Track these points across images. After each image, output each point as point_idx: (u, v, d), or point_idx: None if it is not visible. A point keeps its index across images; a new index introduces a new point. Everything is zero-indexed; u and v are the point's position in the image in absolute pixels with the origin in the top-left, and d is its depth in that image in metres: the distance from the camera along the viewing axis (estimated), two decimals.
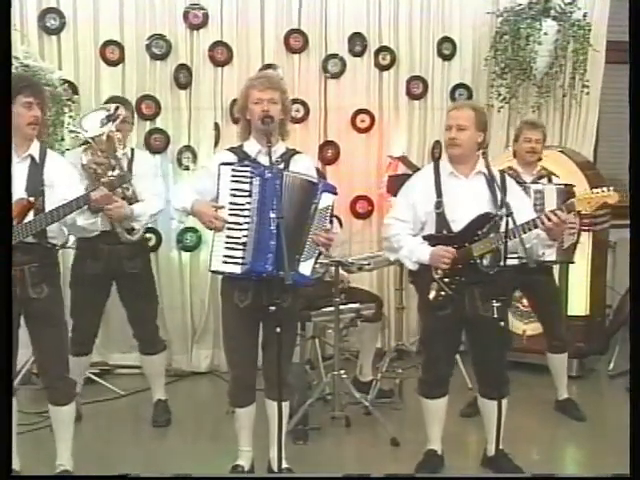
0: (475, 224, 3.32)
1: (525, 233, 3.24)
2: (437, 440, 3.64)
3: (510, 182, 3.50)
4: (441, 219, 3.38)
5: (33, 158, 3.20)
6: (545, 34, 4.95)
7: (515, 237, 3.21)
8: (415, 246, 3.41)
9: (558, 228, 3.26)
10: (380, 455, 3.85)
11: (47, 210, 3.09)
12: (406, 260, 3.45)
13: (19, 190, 3.08)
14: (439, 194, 3.40)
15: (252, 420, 3.46)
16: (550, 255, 3.96)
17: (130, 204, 3.71)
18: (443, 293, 3.34)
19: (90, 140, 3.71)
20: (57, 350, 3.29)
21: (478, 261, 3.31)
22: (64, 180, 3.23)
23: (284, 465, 3.41)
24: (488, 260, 3.30)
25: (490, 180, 3.34)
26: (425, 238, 3.41)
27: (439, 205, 3.38)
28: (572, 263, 4.47)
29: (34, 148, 3.22)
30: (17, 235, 3.03)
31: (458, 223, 3.35)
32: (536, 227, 3.26)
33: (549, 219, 3.22)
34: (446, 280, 3.33)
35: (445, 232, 3.37)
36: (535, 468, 3.61)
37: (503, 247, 3.18)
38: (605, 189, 3.29)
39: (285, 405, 3.39)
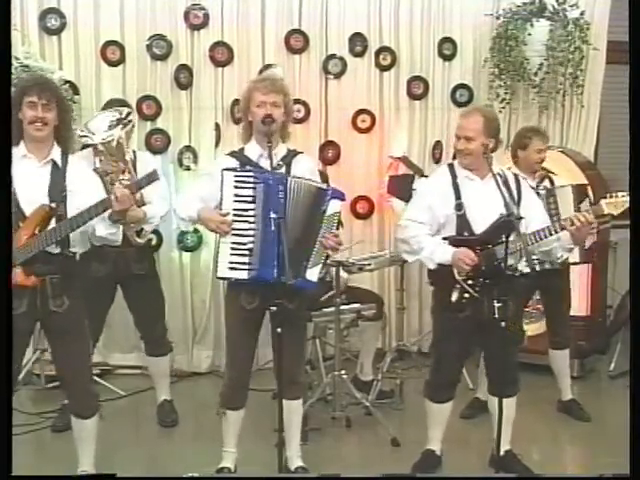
0: (497, 226, 3.24)
1: (552, 235, 3.23)
2: (437, 441, 3.64)
3: (524, 185, 3.48)
4: (462, 221, 3.32)
5: (55, 163, 3.09)
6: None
7: (539, 240, 3.19)
8: (436, 246, 3.34)
9: (584, 229, 3.23)
10: (381, 455, 3.86)
11: (70, 216, 2.99)
12: (428, 261, 3.37)
13: (41, 196, 3.01)
14: (458, 196, 3.35)
15: (240, 424, 3.49)
16: (573, 257, 4.05)
17: (138, 207, 3.64)
18: (467, 295, 3.26)
19: (101, 145, 3.67)
20: (80, 364, 3.19)
21: (502, 264, 3.19)
22: (86, 185, 3.11)
23: (299, 464, 3.52)
24: (512, 262, 3.22)
25: (505, 182, 3.31)
26: (446, 240, 3.35)
27: (460, 207, 3.32)
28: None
29: (55, 153, 3.11)
30: (41, 243, 2.95)
31: (478, 225, 3.30)
32: (563, 229, 3.23)
33: (579, 220, 3.19)
34: (470, 282, 3.26)
35: (466, 234, 3.32)
36: (535, 468, 3.60)
37: (524, 250, 3.13)
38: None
39: (299, 403, 3.47)
